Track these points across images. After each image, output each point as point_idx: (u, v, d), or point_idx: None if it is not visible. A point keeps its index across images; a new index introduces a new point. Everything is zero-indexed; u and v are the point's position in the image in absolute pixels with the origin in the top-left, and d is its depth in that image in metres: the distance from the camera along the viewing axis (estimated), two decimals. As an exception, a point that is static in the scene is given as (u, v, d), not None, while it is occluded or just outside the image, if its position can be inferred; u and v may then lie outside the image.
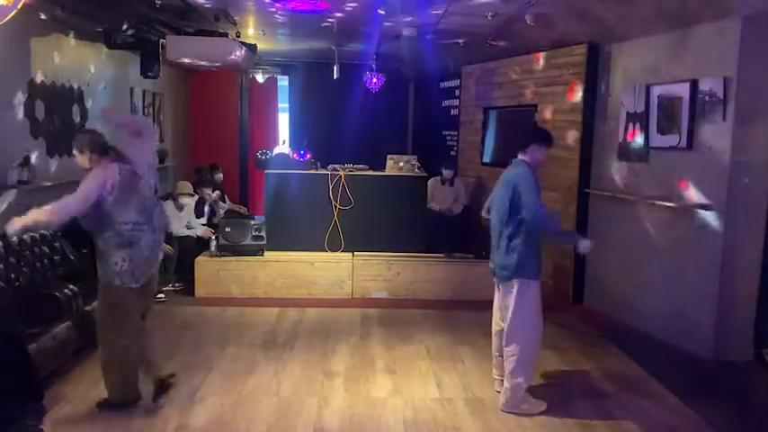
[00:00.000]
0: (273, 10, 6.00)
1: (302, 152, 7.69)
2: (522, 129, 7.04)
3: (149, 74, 6.99)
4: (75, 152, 3.95)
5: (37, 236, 5.30)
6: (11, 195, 5.15)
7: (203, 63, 6.88)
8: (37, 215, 3.70)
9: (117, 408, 4.02)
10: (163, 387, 4.20)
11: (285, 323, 6.06)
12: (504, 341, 4.26)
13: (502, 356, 4.33)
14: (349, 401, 4.35)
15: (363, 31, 6.99)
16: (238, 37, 6.91)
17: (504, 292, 4.29)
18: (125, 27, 5.98)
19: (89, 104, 6.71)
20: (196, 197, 7.67)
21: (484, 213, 4.57)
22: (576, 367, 5.07)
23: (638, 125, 5.96)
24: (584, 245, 4.31)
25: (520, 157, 4.30)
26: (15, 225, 3.70)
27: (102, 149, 3.89)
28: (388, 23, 6.52)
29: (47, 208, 3.73)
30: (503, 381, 4.32)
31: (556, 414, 4.21)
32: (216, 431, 3.91)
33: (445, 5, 5.72)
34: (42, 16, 5.32)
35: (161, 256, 4.22)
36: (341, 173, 7.38)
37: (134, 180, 3.92)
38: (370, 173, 7.64)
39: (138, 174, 3.94)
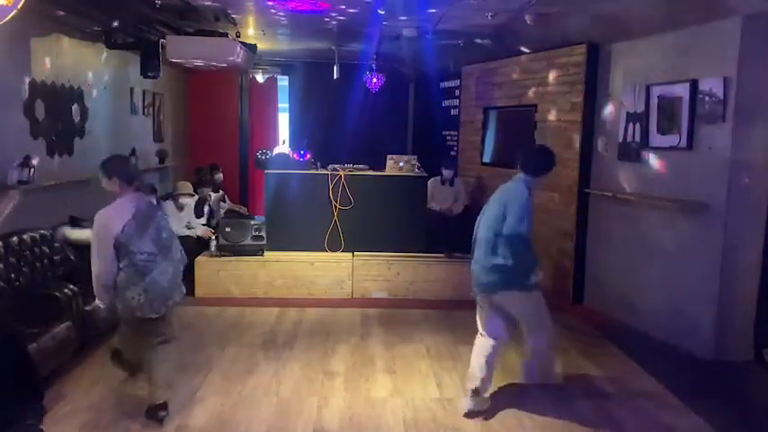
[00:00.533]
0: (272, 5, 5.97)
1: (302, 152, 7.69)
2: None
3: (149, 74, 6.98)
4: (103, 177, 3.94)
5: (37, 236, 5.31)
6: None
7: (203, 63, 6.87)
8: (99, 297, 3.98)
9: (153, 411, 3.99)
10: (152, 414, 4.00)
11: (285, 323, 6.06)
12: (531, 340, 4.47)
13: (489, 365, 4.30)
14: (349, 401, 4.35)
15: (363, 31, 6.99)
16: (238, 37, 6.91)
17: (505, 303, 4.28)
18: (123, 25, 5.97)
19: (89, 104, 6.72)
20: (196, 197, 7.68)
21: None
22: (576, 367, 5.06)
23: (637, 125, 5.97)
24: (540, 275, 4.30)
25: (522, 175, 4.28)
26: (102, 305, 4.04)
27: (129, 178, 3.96)
28: (388, 23, 6.52)
29: (97, 289, 3.92)
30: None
31: (556, 414, 4.21)
32: (216, 431, 3.92)
33: (445, 5, 5.72)
34: (44, 14, 5.32)
35: (183, 291, 4.20)
36: (341, 173, 7.37)
37: (152, 211, 4.02)
38: (370, 173, 7.63)
39: (156, 204, 4.06)
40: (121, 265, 3.82)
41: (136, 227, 3.82)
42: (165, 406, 3.99)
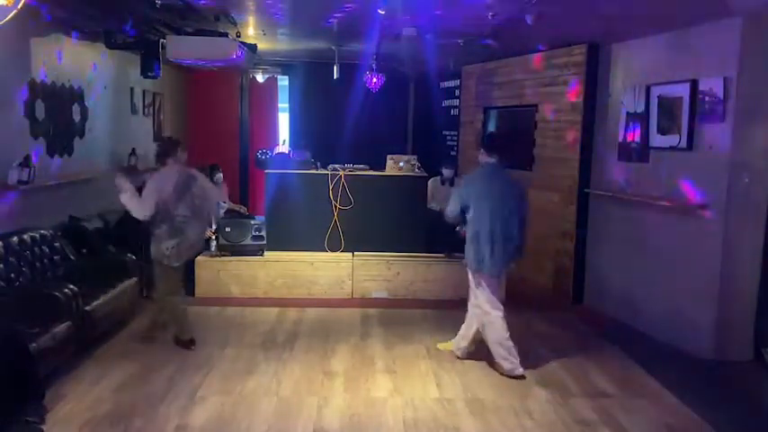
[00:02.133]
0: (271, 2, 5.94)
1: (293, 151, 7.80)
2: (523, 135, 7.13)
3: (149, 74, 6.97)
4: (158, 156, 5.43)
5: (37, 236, 5.31)
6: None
7: (203, 63, 6.87)
8: (130, 197, 4.98)
9: (184, 345, 5.21)
10: (184, 345, 5.26)
11: (285, 323, 6.06)
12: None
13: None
14: (349, 401, 4.36)
15: (363, 31, 6.98)
16: (238, 37, 6.89)
17: (501, 278, 4.99)
18: (126, 26, 5.98)
19: (89, 104, 6.72)
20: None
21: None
22: (576, 367, 5.07)
23: (638, 125, 5.97)
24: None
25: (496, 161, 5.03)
26: (123, 184, 4.95)
27: (167, 152, 5.18)
28: (388, 23, 6.51)
29: (136, 198, 5.00)
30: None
31: (556, 414, 4.22)
32: (216, 431, 3.92)
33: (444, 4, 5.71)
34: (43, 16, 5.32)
35: (204, 240, 5.96)
36: (341, 173, 7.37)
37: (190, 180, 5.13)
38: (370, 173, 7.63)
39: (193, 175, 5.19)
40: (162, 224, 5.00)
41: (175, 196, 4.98)
42: (194, 341, 5.25)
